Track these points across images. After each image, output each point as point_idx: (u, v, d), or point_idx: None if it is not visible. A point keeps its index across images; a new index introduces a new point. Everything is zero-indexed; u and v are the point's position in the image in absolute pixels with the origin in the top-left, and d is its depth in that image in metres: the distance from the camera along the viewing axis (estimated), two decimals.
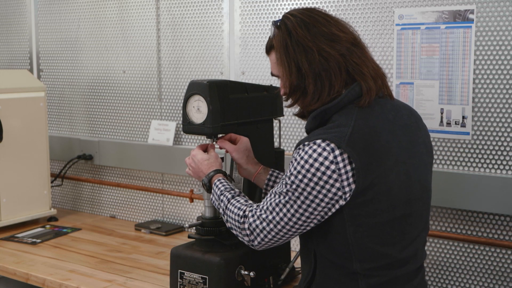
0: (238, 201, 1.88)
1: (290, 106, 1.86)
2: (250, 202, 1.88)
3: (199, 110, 2.06)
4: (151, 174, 3.20)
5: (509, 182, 2.19)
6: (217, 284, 2.04)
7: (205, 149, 2.13)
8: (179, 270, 2.12)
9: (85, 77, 3.40)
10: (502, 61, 2.20)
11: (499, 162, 2.24)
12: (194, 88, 2.07)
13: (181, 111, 2.11)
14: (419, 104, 2.35)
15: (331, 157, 1.64)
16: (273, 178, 2.13)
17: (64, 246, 2.79)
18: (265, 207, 1.78)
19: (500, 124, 2.22)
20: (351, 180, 1.65)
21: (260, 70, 2.76)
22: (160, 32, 3.08)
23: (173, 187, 3.13)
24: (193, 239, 2.16)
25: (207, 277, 2.05)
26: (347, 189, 1.65)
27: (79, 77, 3.42)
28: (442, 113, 2.31)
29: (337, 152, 1.64)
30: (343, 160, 1.64)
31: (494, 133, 2.24)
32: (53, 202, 3.46)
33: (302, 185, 1.68)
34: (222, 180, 1.98)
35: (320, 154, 1.65)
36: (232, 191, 1.93)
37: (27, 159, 3.04)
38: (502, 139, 2.23)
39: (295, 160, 1.70)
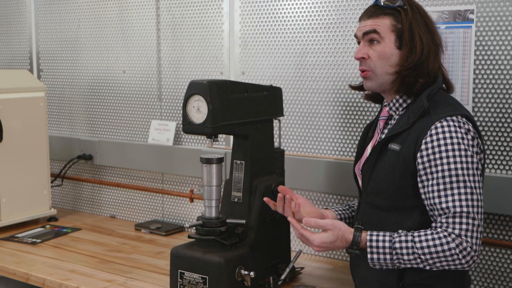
0: (419, 236, 1.79)
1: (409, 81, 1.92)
2: (425, 229, 1.82)
3: (199, 110, 2.06)
4: (151, 174, 3.20)
5: (509, 182, 2.19)
6: (217, 284, 2.04)
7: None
8: (179, 270, 2.12)
9: (85, 77, 3.40)
10: (502, 61, 2.20)
11: (499, 162, 2.24)
12: (194, 88, 2.07)
13: (181, 111, 2.11)
14: None
15: (471, 128, 1.83)
16: (345, 214, 2.18)
17: (64, 246, 2.79)
18: (454, 210, 1.77)
19: (500, 124, 2.22)
20: (478, 150, 1.85)
21: (260, 70, 2.76)
22: (160, 32, 3.08)
23: (173, 187, 3.13)
24: (193, 239, 2.16)
25: (207, 277, 2.05)
26: (480, 156, 1.86)
27: (79, 77, 3.42)
28: None
29: (471, 125, 1.84)
30: (474, 132, 1.85)
31: (494, 133, 2.24)
32: (53, 202, 3.46)
33: (464, 160, 1.79)
34: (373, 234, 1.84)
35: (461, 127, 1.81)
36: (392, 235, 1.82)
37: (27, 159, 3.04)
38: (502, 139, 2.23)
39: (444, 142, 1.80)
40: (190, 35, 2.98)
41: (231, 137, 2.72)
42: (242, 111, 2.15)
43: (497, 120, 2.23)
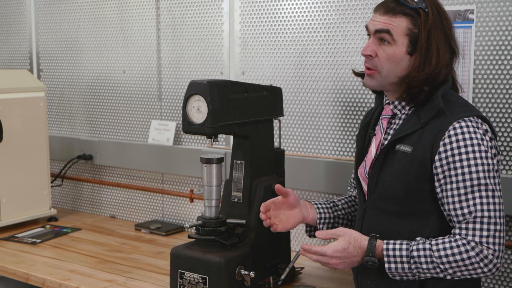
0: (437, 244, 1.72)
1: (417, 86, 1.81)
2: (443, 236, 1.75)
3: (199, 110, 2.06)
4: (151, 174, 3.20)
5: (509, 182, 2.19)
6: (217, 284, 2.04)
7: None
8: (179, 270, 2.12)
9: (85, 77, 3.40)
10: (502, 61, 2.20)
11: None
12: (194, 88, 2.07)
13: (181, 111, 2.11)
14: None
15: (488, 128, 1.77)
16: (323, 214, 2.11)
17: (64, 246, 2.79)
18: (474, 215, 1.70)
19: (500, 124, 2.22)
20: (496, 151, 1.78)
21: (260, 70, 2.76)
22: (160, 32, 3.08)
23: (173, 187, 3.13)
24: (193, 239, 2.17)
25: (207, 277, 2.05)
26: (498, 158, 1.79)
27: (79, 77, 3.42)
28: None
29: (487, 126, 1.77)
30: (492, 133, 1.78)
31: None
32: (53, 202, 3.46)
33: (485, 162, 1.71)
34: (390, 242, 1.77)
35: (479, 128, 1.74)
36: (410, 243, 1.75)
37: (27, 159, 3.04)
38: (502, 139, 2.23)
39: (464, 143, 1.72)
40: (190, 35, 2.98)
41: (231, 137, 2.72)
42: (242, 111, 2.15)
43: (497, 120, 2.23)
